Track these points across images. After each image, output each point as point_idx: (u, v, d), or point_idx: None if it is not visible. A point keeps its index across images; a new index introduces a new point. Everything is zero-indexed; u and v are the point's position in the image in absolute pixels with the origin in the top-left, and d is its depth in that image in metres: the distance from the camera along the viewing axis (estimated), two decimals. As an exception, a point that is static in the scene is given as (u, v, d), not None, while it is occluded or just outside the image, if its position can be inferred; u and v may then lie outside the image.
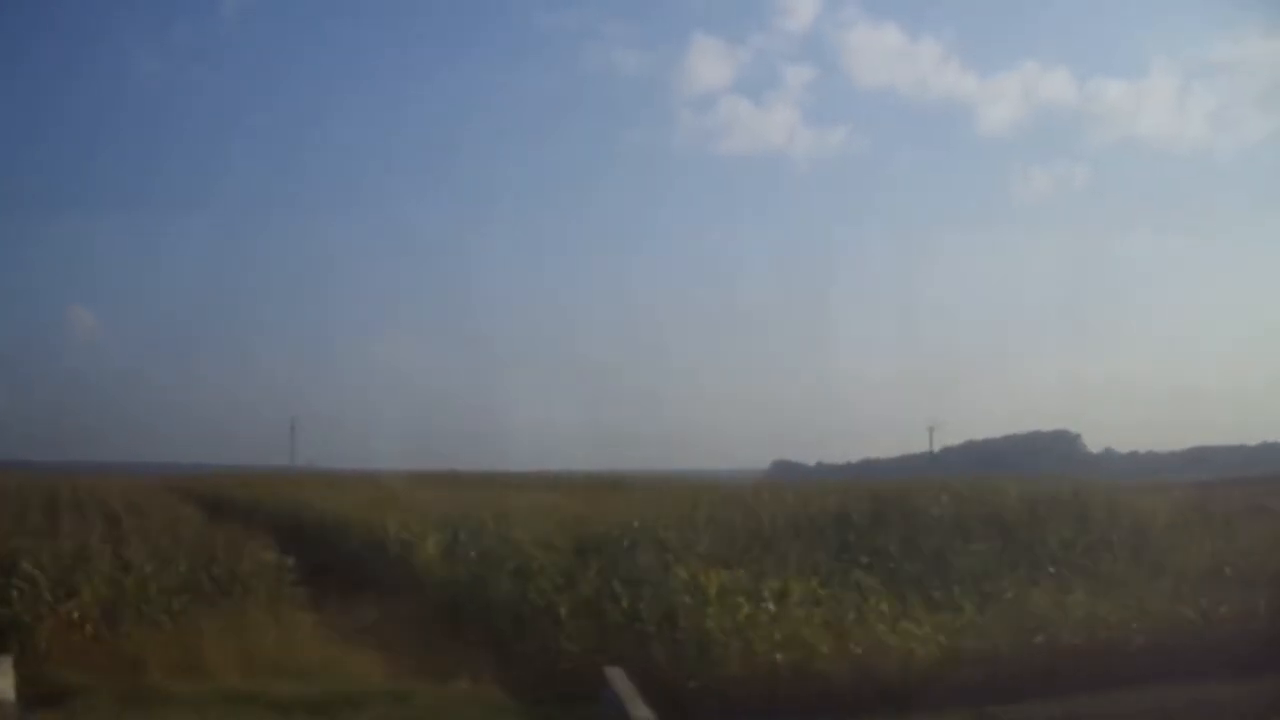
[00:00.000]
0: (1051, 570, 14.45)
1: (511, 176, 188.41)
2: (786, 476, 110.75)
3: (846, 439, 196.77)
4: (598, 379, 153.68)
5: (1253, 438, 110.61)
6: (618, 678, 9.61)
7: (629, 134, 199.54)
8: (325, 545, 21.66)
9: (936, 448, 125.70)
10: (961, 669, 10.72)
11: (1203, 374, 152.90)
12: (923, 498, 20.73)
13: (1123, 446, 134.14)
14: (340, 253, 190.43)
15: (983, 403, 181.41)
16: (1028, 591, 13.03)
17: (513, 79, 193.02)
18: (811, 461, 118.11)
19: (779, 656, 10.93)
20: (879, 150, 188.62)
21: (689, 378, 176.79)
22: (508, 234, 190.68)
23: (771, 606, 12.08)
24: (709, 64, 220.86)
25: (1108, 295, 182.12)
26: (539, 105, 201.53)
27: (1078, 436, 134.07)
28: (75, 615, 13.15)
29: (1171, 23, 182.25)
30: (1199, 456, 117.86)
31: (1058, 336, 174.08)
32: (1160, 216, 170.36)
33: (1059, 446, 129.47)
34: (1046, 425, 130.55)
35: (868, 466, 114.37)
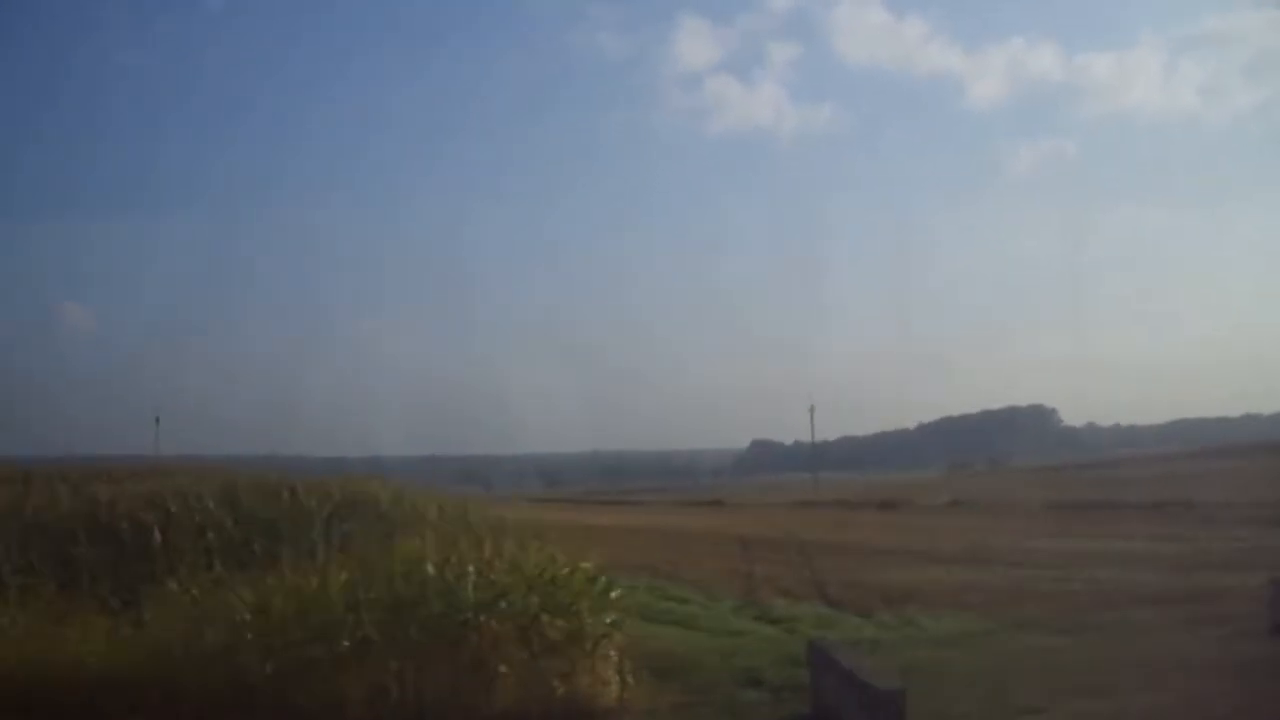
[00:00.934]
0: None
1: (498, 160, 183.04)
2: (764, 455, 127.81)
3: (826, 417, 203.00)
4: (582, 359, 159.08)
5: (1236, 410, 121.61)
6: None
7: (616, 115, 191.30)
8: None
9: (912, 424, 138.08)
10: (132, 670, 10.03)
11: (1188, 348, 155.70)
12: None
13: (1105, 420, 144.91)
14: (325, 240, 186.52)
15: (963, 378, 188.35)
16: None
17: (499, 63, 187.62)
18: (789, 440, 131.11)
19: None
20: (866, 127, 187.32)
21: (672, 358, 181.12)
22: (493, 217, 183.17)
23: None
24: (695, 44, 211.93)
25: (1094, 271, 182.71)
26: (525, 89, 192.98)
27: (1054, 411, 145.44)
28: None
29: None
30: (1179, 430, 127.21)
31: (1041, 313, 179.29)
32: (1149, 189, 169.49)
33: (1034, 421, 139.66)
34: (1023, 400, 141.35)
35: (846, 443, 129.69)
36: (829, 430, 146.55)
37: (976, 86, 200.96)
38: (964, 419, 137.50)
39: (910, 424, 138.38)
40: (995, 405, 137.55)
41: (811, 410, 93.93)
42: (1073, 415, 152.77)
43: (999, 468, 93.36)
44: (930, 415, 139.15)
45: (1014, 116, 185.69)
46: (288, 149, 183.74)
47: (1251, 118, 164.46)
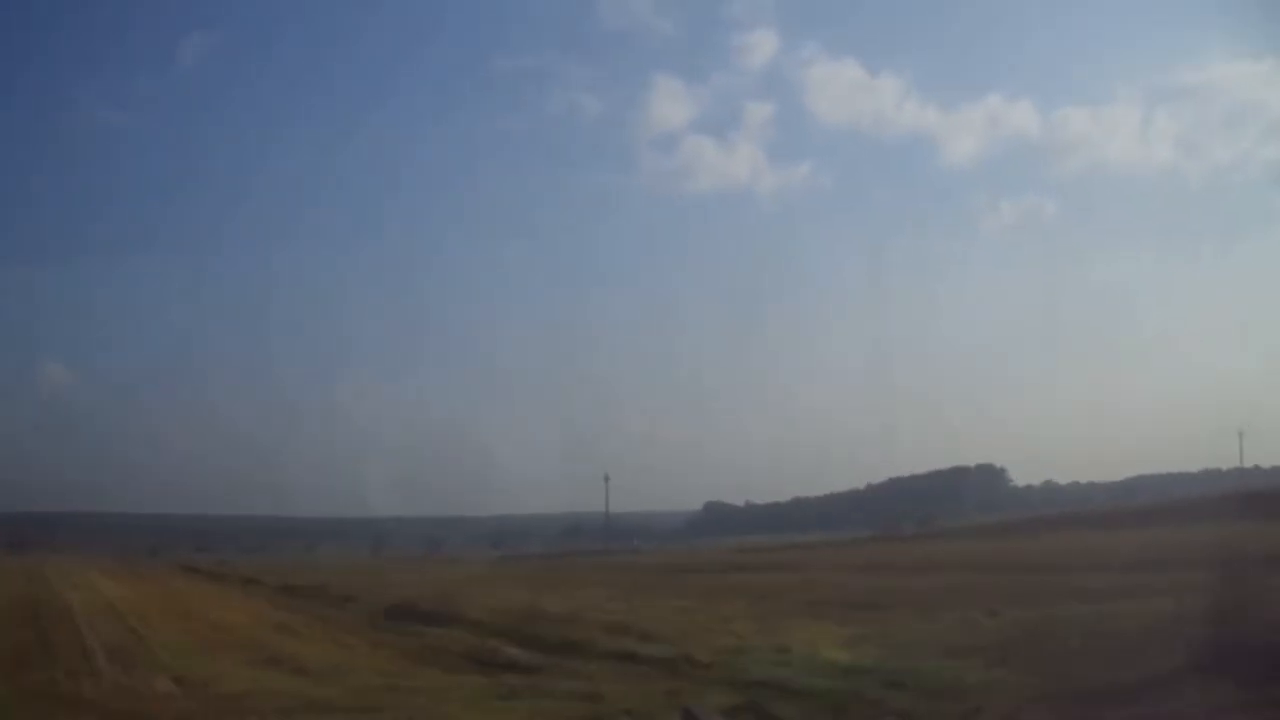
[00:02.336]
0: None
1: (471, 220, 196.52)
2: (717, 517, 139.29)
3: (777, 479, 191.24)
4: (542, 419, 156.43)
5: (1195, 464, 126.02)
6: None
7: (591, 176, 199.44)
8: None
9: (862, 484, 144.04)
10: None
11: (1153, 402, 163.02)
12: None
13: (1063, 478, 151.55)
14: (289, 294, 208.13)
15: (918, 439, 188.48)
16: None
17: (474, 122, 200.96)
18: (741, 502, 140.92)
19: None
20: (843, 186, 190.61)
21: (636, 419, 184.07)
22: (463, 275, 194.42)
23: None
24: (670, 104, 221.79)
25: (1065, 329, 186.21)
26: (499, 148, 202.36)
27: (1002, 470, 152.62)
28: None
29: (1132, 50, 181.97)
30: (1134, 486, 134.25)
31: (1007, 370, 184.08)
32: (1126, 245, 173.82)
33: (983, 481, 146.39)
34: (971, 460, 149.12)
35: (797, 506, 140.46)
36: (785, 492, 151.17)
37: (953, 144, 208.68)
38: (912, 480, 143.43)
39: (861, 485, 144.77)
40: (944, 466, 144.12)
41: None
42: (1030, 474, 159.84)
43: (925, 528, 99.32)
44: (880, 476, 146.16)
45: (991, 173, 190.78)
46: (257, 206, 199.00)
47: (1229, 171, 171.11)
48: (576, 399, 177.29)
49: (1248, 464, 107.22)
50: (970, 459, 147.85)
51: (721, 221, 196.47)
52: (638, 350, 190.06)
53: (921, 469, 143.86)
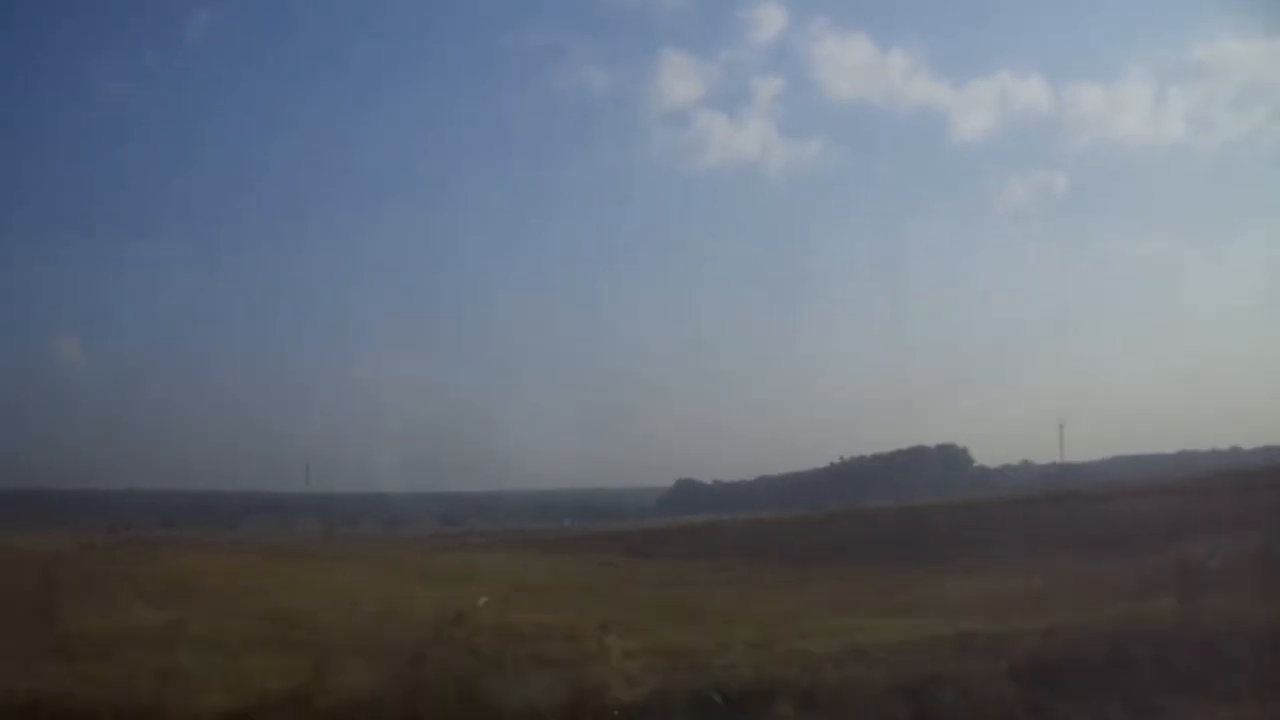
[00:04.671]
0: None
1: (481, 199, 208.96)
2: (687, 494, 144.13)
3: (744, 458, 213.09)
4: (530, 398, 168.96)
5: (1172, 445, 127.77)
6: None
7: (601, 153, 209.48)
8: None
9: (826, 462, 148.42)
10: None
11: (1138, 381, 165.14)
12: None
13: (1041, 458, 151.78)
14: (304, 273, 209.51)
15: (900, 419, 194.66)
16: None
17: (482, 100, 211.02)
18: (710, 480, 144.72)
19: None
20: (854, 162, 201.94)
21: (617, 398, 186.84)
22: (475, 254, 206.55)
23: None
24: (679, 79, 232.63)
25: (1074, 306, 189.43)
26: (508, 126, 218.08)
27: (964, 450, 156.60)
28: None
29: (1142, 26, 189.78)
30: (1110, 467, 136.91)
31: (1004, 352, 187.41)
32: (1137, 221, 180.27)
33: (943, 462, 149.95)
34: (931, 440, 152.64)
35: (764, 484, 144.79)
36: (752, 470, 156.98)
37: (963, 119, 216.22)
38: (876, 459, 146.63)
39: (823, 464, 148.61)
40: (906, 445, 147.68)
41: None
42: (1008, 454, 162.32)
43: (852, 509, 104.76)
44: (844, 455, 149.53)
45: (1001, 149, 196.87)
46: (264, 185, 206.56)
47: (1239, 147, 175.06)
48: (571, 377, 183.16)
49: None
50: (920, 440, 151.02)
51: (732, 196, 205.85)
52: (639, 328, 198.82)
53: (887, 449, 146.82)
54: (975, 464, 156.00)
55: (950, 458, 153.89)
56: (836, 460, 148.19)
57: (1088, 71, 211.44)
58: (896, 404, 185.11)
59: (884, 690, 9.61)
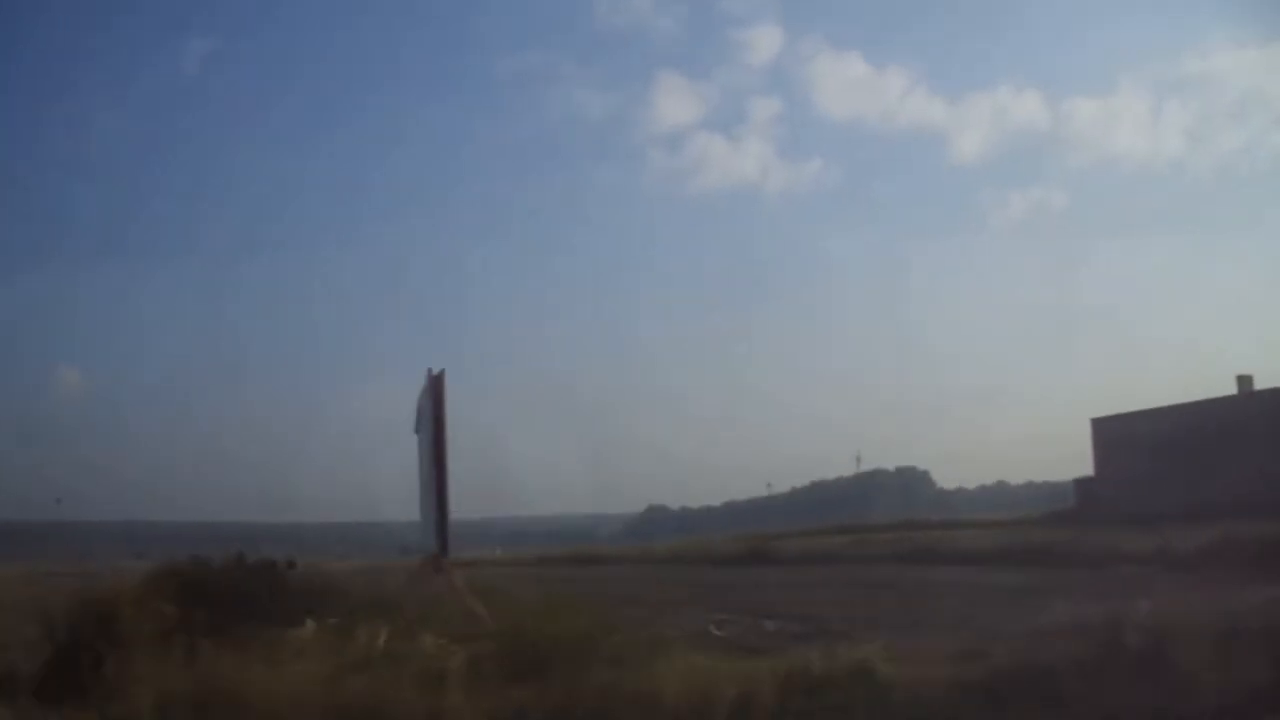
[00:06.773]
0: None
1: (477, 223, 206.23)
2: (657, 520, 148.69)
3: (710, 483, 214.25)
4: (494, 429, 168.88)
5: None
6: None
7: (597, 175, 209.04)
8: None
9: (784, 488, 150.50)
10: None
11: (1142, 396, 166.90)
12: None
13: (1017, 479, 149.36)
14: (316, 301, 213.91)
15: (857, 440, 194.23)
16: None
17: (478, 125, 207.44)
18: (677, 506, 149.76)
19: None
20: (851, 182, 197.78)
21: (587, 423, 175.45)
22: (473, 276, 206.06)
23: None
24: (675, 101, 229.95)
25: (1072, 324, 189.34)
26: (504, 150, 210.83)
27: (925, 473, 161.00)
28: None
29: (1136, 39, 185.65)
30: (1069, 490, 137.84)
31: (1002, 371, 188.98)
32: (1138, 235, 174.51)
33: (904, 484, 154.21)
34: (890, 463, 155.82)
35: (729, 510, 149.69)
36: (717, 496, 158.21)
37: (960, 136, 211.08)
38: (837, 482, 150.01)
39: (786, 488, 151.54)
40: (867, 468, 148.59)
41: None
42: (980, 475, 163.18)
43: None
44: (804, 480, 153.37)
45: (999, 166, 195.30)
46: (272, 211, 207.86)
47: (1238, 156, 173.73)
48: (551, 399, 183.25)
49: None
50: (881, 463, 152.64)
51: (727, 219, 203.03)
52: (623, 352, 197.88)
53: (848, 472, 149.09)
54: (937, 486, 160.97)
55: (910, 481, 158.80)
56: (800, 485, 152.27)
57: (1083, 86, 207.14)
58: (881, 428, 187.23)
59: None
